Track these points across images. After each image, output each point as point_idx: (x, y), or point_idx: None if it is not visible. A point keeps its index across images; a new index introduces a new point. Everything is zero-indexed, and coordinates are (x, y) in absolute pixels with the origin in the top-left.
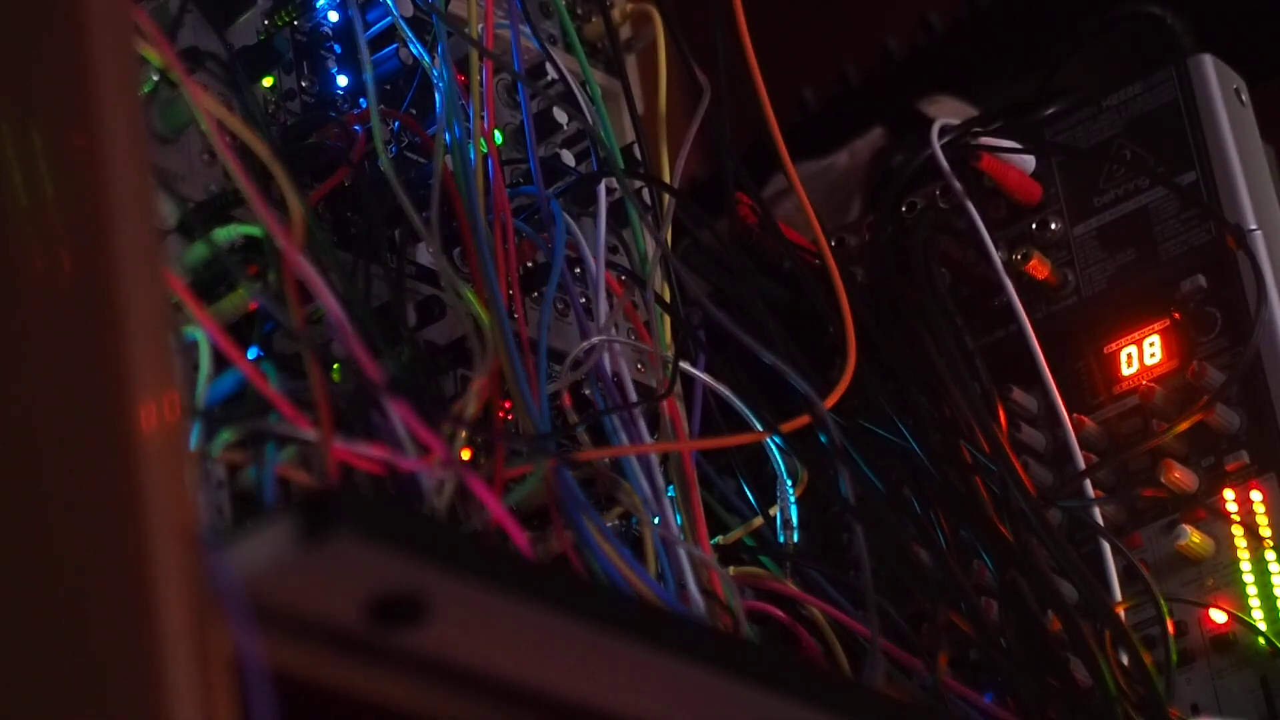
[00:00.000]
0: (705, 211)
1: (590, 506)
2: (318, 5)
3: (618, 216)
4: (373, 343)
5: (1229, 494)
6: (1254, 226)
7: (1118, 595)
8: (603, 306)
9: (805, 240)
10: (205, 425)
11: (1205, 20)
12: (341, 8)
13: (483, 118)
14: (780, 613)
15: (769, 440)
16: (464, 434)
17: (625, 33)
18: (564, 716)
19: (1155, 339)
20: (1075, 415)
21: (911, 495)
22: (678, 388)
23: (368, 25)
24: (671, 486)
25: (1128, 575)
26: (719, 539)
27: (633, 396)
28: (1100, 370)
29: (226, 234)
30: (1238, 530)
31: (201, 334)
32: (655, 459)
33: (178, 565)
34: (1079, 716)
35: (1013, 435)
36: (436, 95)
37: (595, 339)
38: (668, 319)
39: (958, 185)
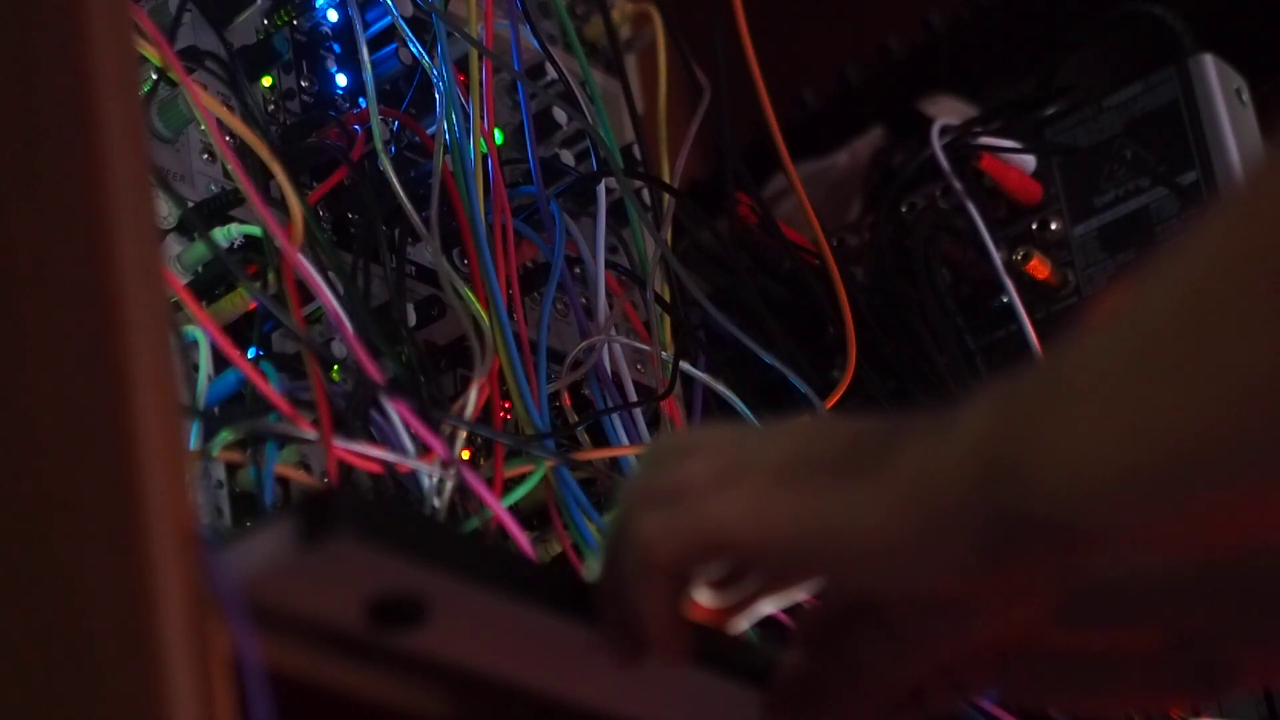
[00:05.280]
0: (705, 211)
1: (590, 506)
2: (317, 5)
3: (618, 216)
4: (373, 343)
5: None
6: None
7: None
8: (603, 306)
9: (805, 240)
10: (205, 425)
11: (1205, 20)
12: (341, 7)
13: (482, 118)
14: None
15: None
16: (464, 434)
17: (625, 33)
18: (564, 716)
19: None
20: None
21: None
22: (678, 388)
23: (367, 25)
24: None
25: None
26: None
27: (633, 396)
28: None
29: (226, 234)
30: None
31: (201, 334)
32: None
33: (177, 565)
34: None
35: None
36: (436, 95)
37: (595, 339)
38: (668, 319)
39: (958, 185)
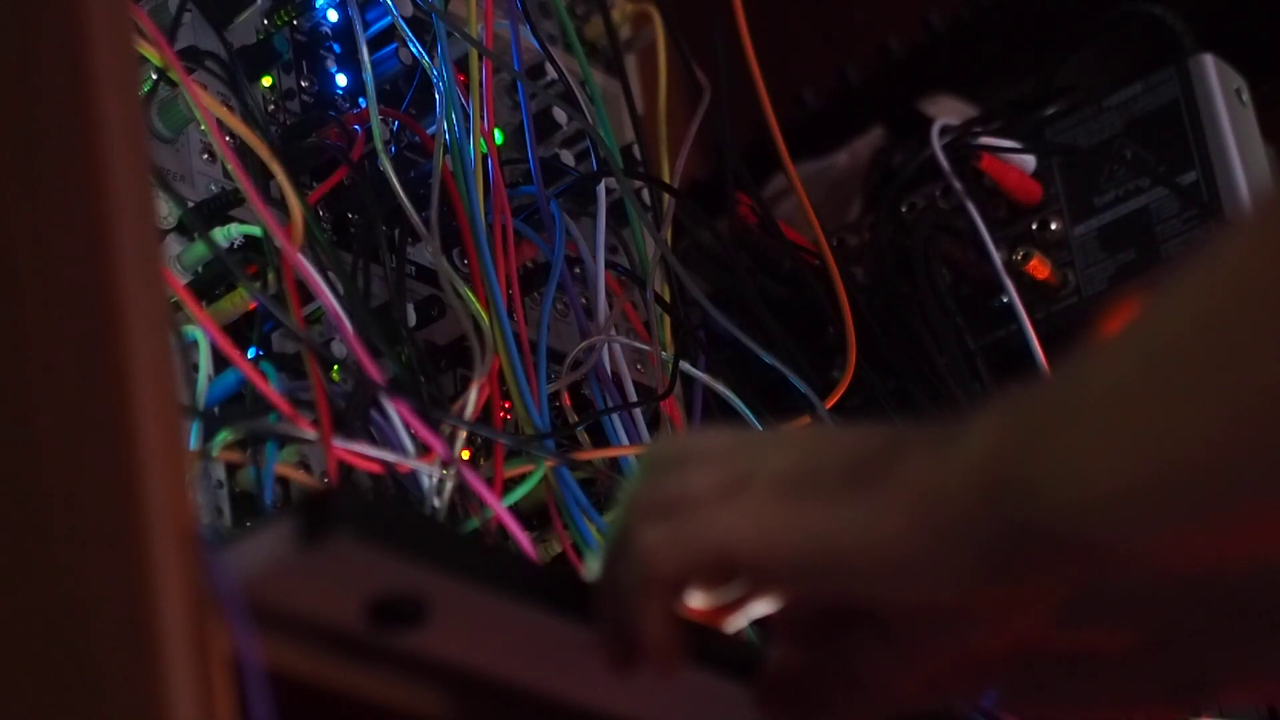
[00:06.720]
0: (705, 211)
1: (590, 506)
2: (317, 5)
3: (618, 216)
4: (373, 343)
5: None
6: None
7: None
8: (603, 306)
9: (805, 240)
10: (205, 425)
11: (1205, 20)
12: (341, 7)
13: (482, 117)
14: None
15: None
16: (464, 434)
17: (625, 33)
18: (564, 716)
19: None
20: None
21: None
22: (678, 388)
23: (367, 25)
24: None
25: None
26: None
27: (633, 396)
28: None
29: (226, 234)
30: None
31: (201, 334)
32: None
33: (177, 565)
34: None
35: None
36: (436, 95)
37: (595, 339)
38: (668, 319)
39: (958, 185)
